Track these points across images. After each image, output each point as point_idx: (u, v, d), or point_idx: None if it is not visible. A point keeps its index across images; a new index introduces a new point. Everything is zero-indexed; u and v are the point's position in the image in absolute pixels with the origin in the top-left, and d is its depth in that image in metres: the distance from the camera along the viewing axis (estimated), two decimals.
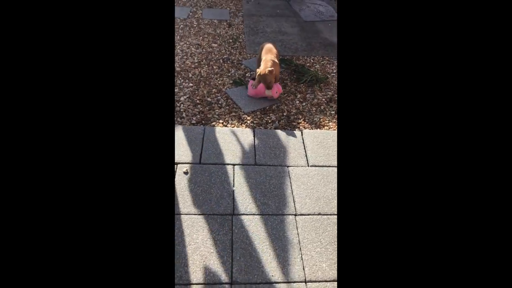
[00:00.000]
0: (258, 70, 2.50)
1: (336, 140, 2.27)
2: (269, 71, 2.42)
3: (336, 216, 1.82)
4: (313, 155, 2.15)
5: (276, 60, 2.58)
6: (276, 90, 2.55)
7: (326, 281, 1.54)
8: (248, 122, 2.40)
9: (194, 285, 1.47)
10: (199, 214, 1.74)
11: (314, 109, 2.59)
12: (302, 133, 2.33)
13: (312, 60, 3.17)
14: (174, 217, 1.72)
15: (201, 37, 3.34)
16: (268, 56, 2.55)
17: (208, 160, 2.03)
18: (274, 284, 1.51)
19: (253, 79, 2.62)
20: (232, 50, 3.19)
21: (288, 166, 2.06)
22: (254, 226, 1.72)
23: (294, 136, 2.29)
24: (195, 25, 3.55)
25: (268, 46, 2.67)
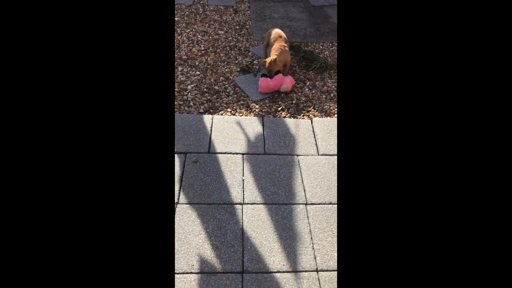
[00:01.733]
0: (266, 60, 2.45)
1: None
2: (270, 61, 2.41)
3: None
4: (323, 143, 2.12)
5: (286, 47, 2.52)
6: (290, 83, 2.49)
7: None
8: (257, 110, 2.36)
9: (206, 274, 1.47)
10: (209, 204, 1.73)
11: (324, 96, 2.53)
12: (312, 121, 2.29)
13: (321, 46, 3.09)
14: (174, 208, 1.71)
15: (207, 24, 3.28)
16: (277, 45, 2.49)
17: (217, 149, 2.01)
18: (285, 273, 1.50)
19: (264, 75, 2.49)
20: (239, 37, 3.13)
21: (298, 155, 2.03)
22: (265, 216, 1.70)
23: (304, 124, 2.25)
24: (200, 12, 3.48)
25: (277, 32, 2.60)
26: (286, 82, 2.46)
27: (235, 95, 2.47)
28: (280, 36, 2.56)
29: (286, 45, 2.52)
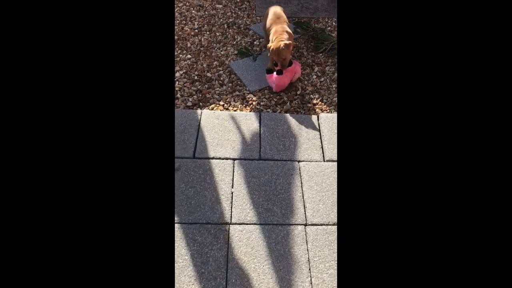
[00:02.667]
0: (269, 44, 2.03)
1: None
2: (286, 45, 1.94)
3: None
4: (330, 146, 1.78)
5: (290, 30, 2.09)
6: (300, 69, 2.12)
7: None
8: (254, 103, 2.02)
9: None
10: (190, 223, 1.47)
11: (334, 86, 2.15)
12: (318, 117, 1.94)
13: (334, 23, 2.65)
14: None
15: None
16: (279, 27, 2.06)
17: (204, 154, 1.72)
18: None
19: (273, 67, 2.04)
20: (239, 12, 2.71)
21: (299, 161, 1.72)
22: (255, 239, 1.43)
23: (309, 121, 1.91)
24: None
25: (276, 12, 2.15)
26: (297, 70, 2.10)
27: (230, 84, 2.13)
28: (279, 18, 2.12)
29: (289, 29, 2.10)
